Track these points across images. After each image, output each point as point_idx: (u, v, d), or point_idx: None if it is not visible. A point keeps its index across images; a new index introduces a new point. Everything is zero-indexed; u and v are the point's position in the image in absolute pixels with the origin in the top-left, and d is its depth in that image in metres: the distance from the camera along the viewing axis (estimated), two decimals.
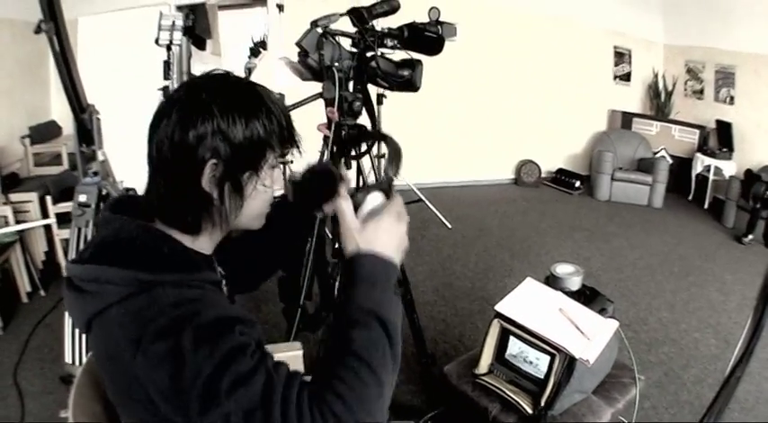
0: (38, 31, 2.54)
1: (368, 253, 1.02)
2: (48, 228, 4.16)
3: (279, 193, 1.19)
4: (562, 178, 7.27)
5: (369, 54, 2.26)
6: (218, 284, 1.04)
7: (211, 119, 0.95)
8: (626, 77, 7.60)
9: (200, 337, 0.84)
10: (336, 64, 2.22)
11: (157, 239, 0.99)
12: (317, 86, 2.41)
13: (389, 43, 2.24)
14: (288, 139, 1.07)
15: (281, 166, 1.08)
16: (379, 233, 1.05)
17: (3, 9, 5.02)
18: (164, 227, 1.02)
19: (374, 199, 1.11)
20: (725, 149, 6.31)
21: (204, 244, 1.06)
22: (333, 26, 2.22)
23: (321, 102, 2.35)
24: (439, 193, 6.43)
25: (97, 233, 1.05)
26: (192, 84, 1.03)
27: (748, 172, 5.76)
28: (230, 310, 0.95)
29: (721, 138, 6.45)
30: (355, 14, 2.22)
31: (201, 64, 7.18)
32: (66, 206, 3.92)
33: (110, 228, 0.99)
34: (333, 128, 2.32)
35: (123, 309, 0.89)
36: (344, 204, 1.08)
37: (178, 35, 4.28)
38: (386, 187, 1.14)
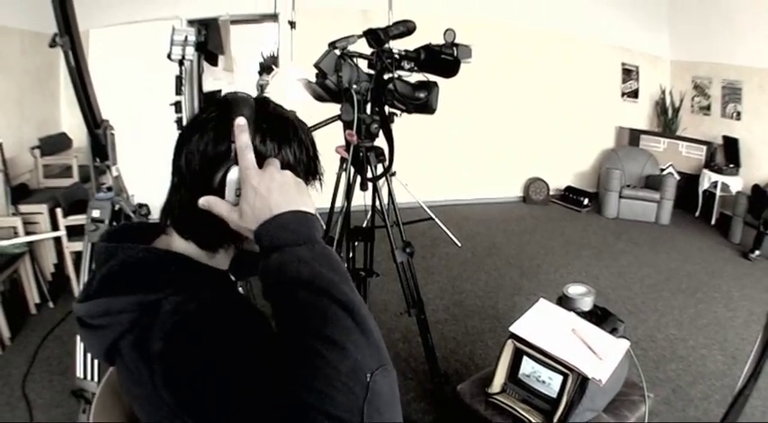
0: (53, 44, 2.54)
1: (268, 221, 0.90)
2: (57, 240, 4.18)
3: None
4: (570, 196, 7.28)
5: (386, 76, 2.28)
6: (230, 296, 1.02)
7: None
8: (634, 94, 7.62)
9: (195, 349, 0.84)
10: (355, 86, 2.24)
11: (163, 259, 0.99)
12: (329, 106, 2.44)
13: (406, 65, 2.26)
14: (313, 171, 1.07)
15: None
16: (263, 198, 0.91)
17: (13, 20, 5.05)
18: (182, 244, 1.02)
19: (233, 174, 0.95)
20: (732, 165, 6.30)
21: (221, 260, 1.06)
22: (350, 48, 2.24)
23: (337, 123, 2.38)
24: (448, 211, 6.45)
25: (97, 266, 1.01)
26: (230, 101, 1.02)
27: (755, 187, 5.76)
28: (232, 320, 0.91)
29: (728, 153, 6.46)
30: (372, 36, 2.25)
31: (213, 79, 7.24)
32: (76, 219, 3.94)
33: (115, 258, 0.97)
34: (351, 150, 2.34)
35: (134, 334, 0.89)
36: (211, 201, 0.95)
37: (190, 50, 4.29)
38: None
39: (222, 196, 0.94)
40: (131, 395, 0.98)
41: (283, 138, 1.00)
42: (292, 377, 0.78)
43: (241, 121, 0.93)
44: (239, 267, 1.11)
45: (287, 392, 0.78)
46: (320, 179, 1.10)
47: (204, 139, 0.96)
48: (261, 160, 0.95)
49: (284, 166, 0.98)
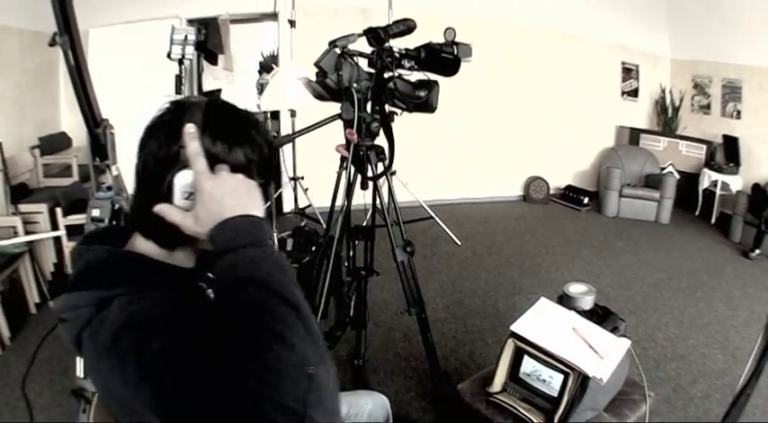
0: (52, 43, 2.54)
1: (221, 224, 0.95)
2: (57, 239, 4.17)
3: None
4: (570, 195, 7.27)
5: (386, 75, 2.28)
6: (181, 293, 1.03)
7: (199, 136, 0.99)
8: (634, 93, 7.61)
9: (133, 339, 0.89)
10: (355, 85, 2.24)
11: (122, 259, 1.04)
12: (329, 105, 2.43)
13: (407, 64, 2.25)
14: (267, 169, 1.11)
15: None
16: (216, 201, 0.96)
17: (12, 19, 5.05)
18: (144, 243, 1.07)
19: (182, 179, 0.99)
20: (732, 164, 6.30)
21: (182, 258, 1.09)
22: (350, 46, 2.24)
23: (338, 122, 2.37)
24: (448, 210, 6.44)
25: (71, 266, 1.08)
26: (182, 103, 1.06)
27: (755, 186, 5.76)
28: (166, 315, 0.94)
29: (728, 152, 6.46)
30: (372, 35, 2.24)
31: (213, 79, 7.24)
32: (76, 218, 3.94)
33: (83, 259, 1.04)
34: (351, 149, 2.34)
35: (90, 327, 0.95)
36: (165, 209, 1.00)
37: (190, 49, 4.29)
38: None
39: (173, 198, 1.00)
40: (93, 380, 1.03)
41: (234, 139, 1.04)
42: (243, 370, 0.82)
43: (191, 129, 0.98)
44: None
45: (237, 385, 0.81)
46: (274, 179, 1.13)
47: (156, 142, 1.02)
48: (213, 162, 0.99)
49: (236, 167, 1.02)
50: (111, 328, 0.91)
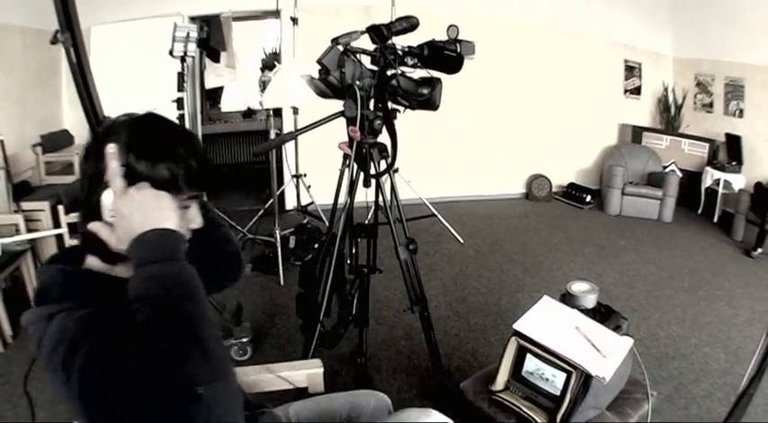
0: (54, 41, 2.54)
1: (133, 241, 1.01)
2: (59, 237, 4.17)
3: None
4: (573, 193, 7.26)
5: (389, 72, 2.27)
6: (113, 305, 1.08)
7: (122, 155, 1.04)
8: (636, 91, 7.60)
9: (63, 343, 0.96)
10: (358, 82, 2.23)
11: (69, 275, 1.10)
12: (331, 102, 2.43)
13: (410, 61, 2.24)
14: (196, 181, 1.13)
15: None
16: (128, 218, 1.02)
17: (13, 17, 5.05)
18: (91, 259, 1.13)
19: (106, 198, 1.05)
20: (734, 163, 6.28)
21: (123, 270, 1.12)
22: (353, 44, 2.23)
23: (340, 120, 2.37)
24: (451, 208, 6.45)
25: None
26: (110, 124, 1.11)
27: (758, 185, 5.74)
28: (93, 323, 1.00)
29: (731, 151, 6.43)
30: (375, 32, 2.23)
31: (215, 76, 7.25)
32: (78, 216, 3.93)
33: (40, 278, 1.11)
34: (354, 146, 2.33)
35: (41, 340, 1.01)
36: (97, 227, 1.07)
37: (192, 47, 4.30)
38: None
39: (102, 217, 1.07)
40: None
41: (155, 155, 1.07)
42: (134, 390, 0.89)
43: (110, 149, 1.03)
44: None
45: (134, 404, 0.89)
46: (205, 191, 1.20)
47: (87, 164, 1.09)
48: (137, 180, 1.05)
49: (158, 182, 1.06)
50: (50, 342, 0.97)
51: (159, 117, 1.15)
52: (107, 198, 1.04)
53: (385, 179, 2.62)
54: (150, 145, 1.08)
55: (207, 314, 0.99)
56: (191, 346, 0.93)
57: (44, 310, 1.03)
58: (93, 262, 1.13)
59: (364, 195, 2.67)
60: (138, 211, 1.01)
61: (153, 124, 1.13)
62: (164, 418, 0.88)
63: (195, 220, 1.18)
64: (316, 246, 4.62)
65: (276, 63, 5.12)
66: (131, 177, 1.04)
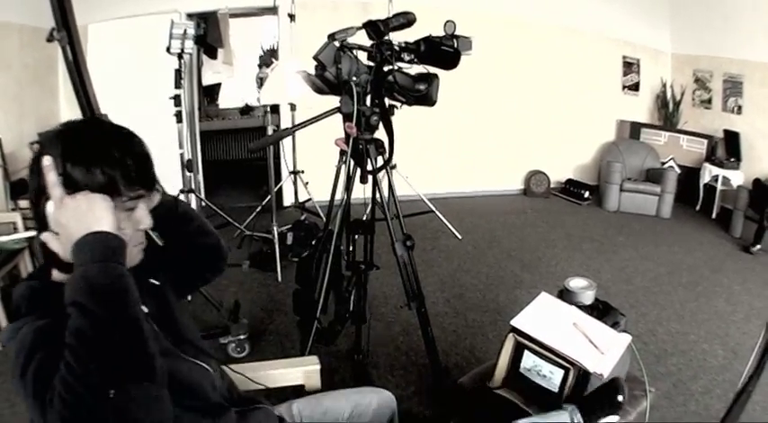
0: (50, 39, 2.53)
1: (72, 248, 1.02)
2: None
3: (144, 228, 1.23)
4: (571, 189, 7.27)
5: (386, 68, 2.26)
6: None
7: (58, 165, 1.06)
8: (635, 87, 7.59)
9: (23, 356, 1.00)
10: (354, 78, 2.22)
11: (35, 290, 1.15)
12: (328, 98, 2.42)
13: (406, 57, 2.24)
14: (135, 182, 1.14)
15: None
16: (66, 227, 1.05)
17: (11, 15, 5.03)
18: (54, 271, 1.17)
19: (48, 209, 1.08)
20: (733, 159, 6.29)
21: None
22: (350, 40, 2.22)
23: (337, 116, 2.36)
24: (449, 204, 6.45)
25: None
26: (47, 134, 1.13)
27: (756, 181, 5.75)
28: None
29: (729, 147, 6.44)
30: (372, 28, 2.23)
31: (213, 73, 7.23)
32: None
33: (14, 294, 1.15)
34: (350, 142, 2.33)
35: (10, 353, 1.05)
36: (47, 237, 1.11)
37: (190, 44, 4.28)
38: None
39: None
40: None
41: (88, 161, 1.08)
42: (66, 389, 0.91)
43: (46, 161, 1.05)
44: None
45: (63, 401, 0.91)
46: (150, 190, 1.20)
47: (31, 178, 1.11)
48: (76, 188, 1.06)
49: (97, 187, 1.07)
50: (14, 353, 1.02)
51: (96, 122, 1.19)
52: (49, 209, 1.07)
53: (382, 175, 2.61)
54: (82, 151, 1.09)
55: (129, 313, 0.99)
56: (107, 348, 0.94)
57: (15, 326, 1.08)
58: (55, 274, 1.17)
59: (361, 191, 2.67)
60: (73, 218, 1.03)
61: (86, 131, 1.15)
62: (83, 418, 0.90)
63: (144, 220, 1.19)
64: (313, 242, 4.62)
65: (273, 60, 5.10)
66: (71, 186, 1.06)
